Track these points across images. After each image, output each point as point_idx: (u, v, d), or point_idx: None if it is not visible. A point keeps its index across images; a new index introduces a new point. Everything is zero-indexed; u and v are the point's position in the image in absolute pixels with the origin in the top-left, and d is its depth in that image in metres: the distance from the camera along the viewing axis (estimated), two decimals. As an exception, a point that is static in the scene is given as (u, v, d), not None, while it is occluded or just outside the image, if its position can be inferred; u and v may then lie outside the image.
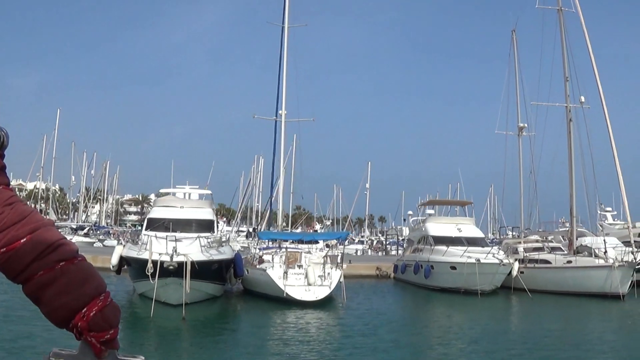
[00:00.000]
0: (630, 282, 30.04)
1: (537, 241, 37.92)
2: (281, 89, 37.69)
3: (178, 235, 25.97)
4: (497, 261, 31.07)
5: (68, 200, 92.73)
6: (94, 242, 63.62)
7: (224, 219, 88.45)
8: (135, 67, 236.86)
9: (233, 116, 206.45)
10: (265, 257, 30.89)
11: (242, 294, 31.34)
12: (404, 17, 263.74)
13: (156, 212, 31.61)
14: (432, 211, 42.65)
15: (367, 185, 71.59)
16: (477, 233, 36.88)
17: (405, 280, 38.27)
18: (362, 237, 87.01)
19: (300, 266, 28.97)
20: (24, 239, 1.40)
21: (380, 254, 66.89)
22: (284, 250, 30.95)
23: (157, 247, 24.24)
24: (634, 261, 29.90)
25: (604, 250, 31.78)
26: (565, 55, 36.38)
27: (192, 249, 24.99)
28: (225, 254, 28.13)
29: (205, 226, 30.20)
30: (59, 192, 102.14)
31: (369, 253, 68.01)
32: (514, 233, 44.98)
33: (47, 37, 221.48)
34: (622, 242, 41.35)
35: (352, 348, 18.21)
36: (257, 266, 30.10)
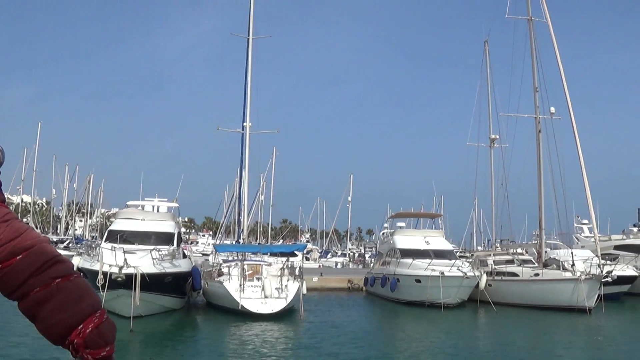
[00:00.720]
0: (597, 295, 29.27)
1: (507, 254, 37.31)
2: (247, 100, 37.04)
3: (133, 247, 25.94)
4: (460, 274, 30.39)
5: (54, 214, 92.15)
6: (74, 255, 62.85)
7: (209, 232, 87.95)
8: (129, 79, 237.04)
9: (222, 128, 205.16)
10: (224, 270, 30.37)
11: (204, 307, 30.81)
12: (389, 27, 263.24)
13: (117, 225, 31.45)
14: (402, 224, 42.04)
15: (349, 198, 71.03)
16: (445, 245, 36.17)
17: (374, 293, 37.58)
18: (344, 250, 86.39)
19: (259, 279, 28.44)
20: (20, 256, 1.40)
21: (360, 266, 66.23)
22: (246, 262, 30.58)
23: (109, 259, 23.92)
24: (601, 274, 29.13)
25: (571, 263, 31.07)
26: (534, 65, 35.85)
27: (143, 261, 24.66)
28: (180, 267, 27.67)
29: (165, 239, 29.82)
30: (45, 206, 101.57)
31: (350, 266, 67.31)
32: (482, 246, 44.29)
33: (38, 49, 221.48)
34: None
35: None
36: (216, 279, 29.63)
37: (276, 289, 27.60)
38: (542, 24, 35.54)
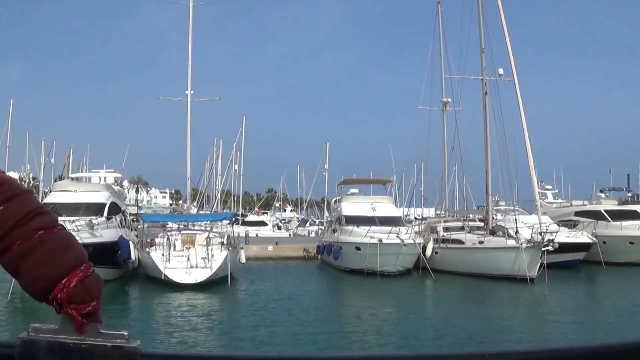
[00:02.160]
0: (539, 264, 28.05)
1: (458, 220, 36.17)
2: (188, 68, 36.07)
3: (60, 219, 25.14)
4: (398, 241, 29.28)
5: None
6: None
7: (195, 203, 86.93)
8: (117, 55, 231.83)
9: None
10: (157, 240, 29.68)
11: (141, 277, 30.17)
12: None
13: (51, 197, 31.46)
14: (356, 190, 40.83)
15: (326, 167, 69.76)
16: (393, 212, 34.94)
17: (325, 261, 36.72)
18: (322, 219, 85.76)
19: (188, 248, 27.74)
20: (1, 207, 1.35)
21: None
22: (176, 233, 29.93)
23: None
24: (541, 242, 27.85)
25: (515, 230, 29.87)
26: (481, 26, 34.20)
27: None
28: (102, 237, 26.90)
29: (95, 210, 29.81)
30: (32, 182, 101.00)
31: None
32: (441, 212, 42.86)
33: (27, 30, 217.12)
34: (559, 222, 39.92)
35: (214, 330, 18.24)
36: (147, 249, 28.96)
37: (202, 258, 26.87)
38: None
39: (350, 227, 32.49)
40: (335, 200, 42.05)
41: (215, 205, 70.00)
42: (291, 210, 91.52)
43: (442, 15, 44.02)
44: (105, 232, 27.73)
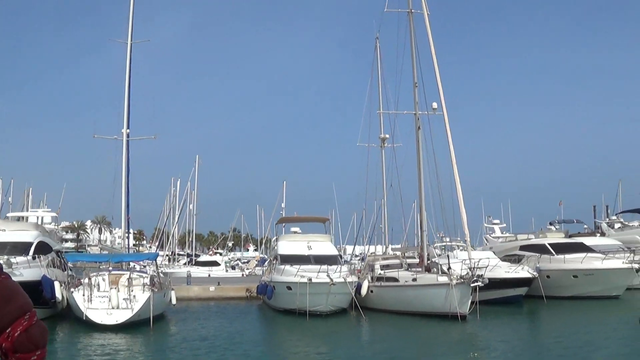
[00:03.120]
0: (469, 301, 27.34)
1: (397, 257, 35.63)
2: (125, 106, 35.38)
3: None
4: (327, 280, 28.58)
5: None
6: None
7: (157, 244, 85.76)
8: (81, 96, 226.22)
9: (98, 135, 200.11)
10: (84, 281, 28.90)
11: (68, 317, 29.21)
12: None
13: None
14: (297, 229, 40.15)
15: (283, 205, 69.16)
16: (329, 250, 34.21)
17: (264, 301, 35.82)
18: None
19: (113, 289, 26.98)
20: None
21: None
22: (104, 273, 29.14)
23: None
24: (470, 279, 27.17)
25: (447, 267, 29.29)
26: (413, 60, 34.03)
27: None
28: (22, 276, 26.02)
29: (21, 249, 29.66)
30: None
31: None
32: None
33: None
34: (503, 257, 39.57)
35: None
36: (72, 289, 28.16)
37: (124, 299, 26.12)
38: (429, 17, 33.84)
39: (283, 267, 31.75)
40: (275, 239, 41.41)
41: (170, 245, 69.22)
42: (255, 250, 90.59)
43: (380, 50, 44.04)
44: (27, 272, 26.92)
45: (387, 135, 40.31)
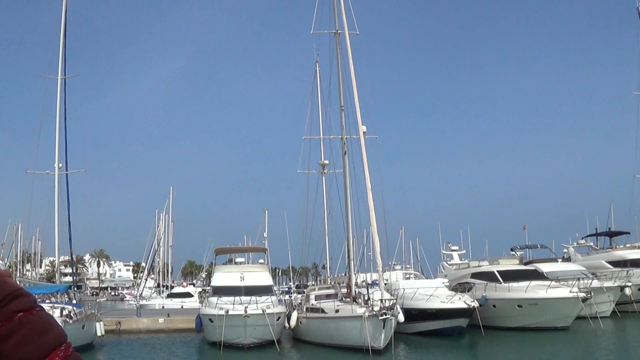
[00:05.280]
0: (383, 334, 26.27)
1: (331, 287, 35.00)
2: (57, 140, 35.96)
3: None
4: (241, 312, 28.19)
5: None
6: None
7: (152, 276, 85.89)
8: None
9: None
10: None
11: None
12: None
13: None
14: (241, 259, 39.86)
15: (265, 235, 68.65)
16: (263, 281, 33.75)
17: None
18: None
19: None
20: None
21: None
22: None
23: None
24: (379, 312, 26.13)
25: (366, 297, 28.64)
26: (340, 82, 33.63)
27: None
28: None
29: None
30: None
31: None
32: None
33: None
34: (455, 285, 38.75)
35: None
36: None
37: None
38: (354, 37, 33.51)
39: (214, 299, 31.40)
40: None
41: (157, 277, 69.53)
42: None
43: (320, 73, 43.41)
44: None
45: (327, 162, 39.94)
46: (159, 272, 68.88)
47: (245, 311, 28.18)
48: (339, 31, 34.27)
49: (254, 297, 29.92)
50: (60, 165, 35.70)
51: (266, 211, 70.17)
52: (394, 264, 45.17)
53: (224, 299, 29.83)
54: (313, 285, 43.42)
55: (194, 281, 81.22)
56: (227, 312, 28.31)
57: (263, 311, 28.72)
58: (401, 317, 27.24)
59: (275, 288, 39.30)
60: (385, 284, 31.55)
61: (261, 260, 42.71)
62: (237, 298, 29.93)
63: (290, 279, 77.99)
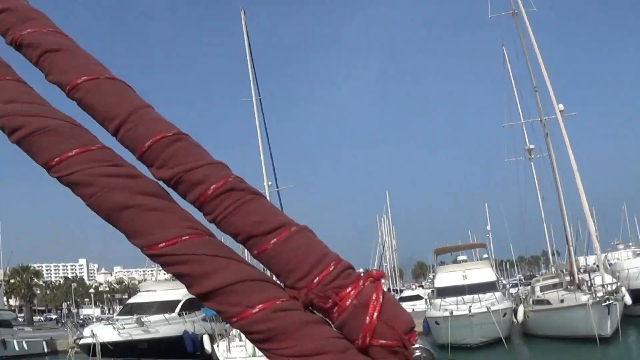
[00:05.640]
0: (609, 321, 25.32)
1: (556, 276, 33.74)
2: (263, 159, 37.40)
3: None
4: (466, 312, 28.64)
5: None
6: None
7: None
8: None
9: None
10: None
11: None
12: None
13: None
14: (464, 257, 39.87)
15: (488, 228, 66.83)
16: (487, 278, 32.74)
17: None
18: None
19: None
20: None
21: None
22: None
23: None
24: (606, 297, 25.09)
25: (589, 283, 27.51)
26: (529, 62, 32.33)
27: None
28: (157, 333, 30.23)
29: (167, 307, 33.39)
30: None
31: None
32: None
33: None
34: None
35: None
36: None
37: None
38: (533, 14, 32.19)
39: (437, 301, 32.19)
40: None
41: (386, 282, 71.31)
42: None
43: (508, 56, 42.42)
44: (166, 328, 30.80)
45: (532, 146, 38.69)
46: (387, 276, 70.09)
47: (470, 310, 28.65)
48: (515, 11, 33.30)
49: (477, 295, 30.21)
50: (269, 183, 37.09)
51: (486, 204, 69.28)
52: (617, 243, 42.41)
53: (448, 299, 30.56)
54: (545, 274, 42.10)
55: (423, 283, 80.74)
56: (451, 313, 28.86)
57: (488, 309, 28.75)
58: (628, 300, 26.11)
59: (504, 282, 39.06)
60: (610, 266, 30.16)
61: (485, 255, 42.86)
62: (460, 298, 30.49)
63: (518, 271, 75.45)
